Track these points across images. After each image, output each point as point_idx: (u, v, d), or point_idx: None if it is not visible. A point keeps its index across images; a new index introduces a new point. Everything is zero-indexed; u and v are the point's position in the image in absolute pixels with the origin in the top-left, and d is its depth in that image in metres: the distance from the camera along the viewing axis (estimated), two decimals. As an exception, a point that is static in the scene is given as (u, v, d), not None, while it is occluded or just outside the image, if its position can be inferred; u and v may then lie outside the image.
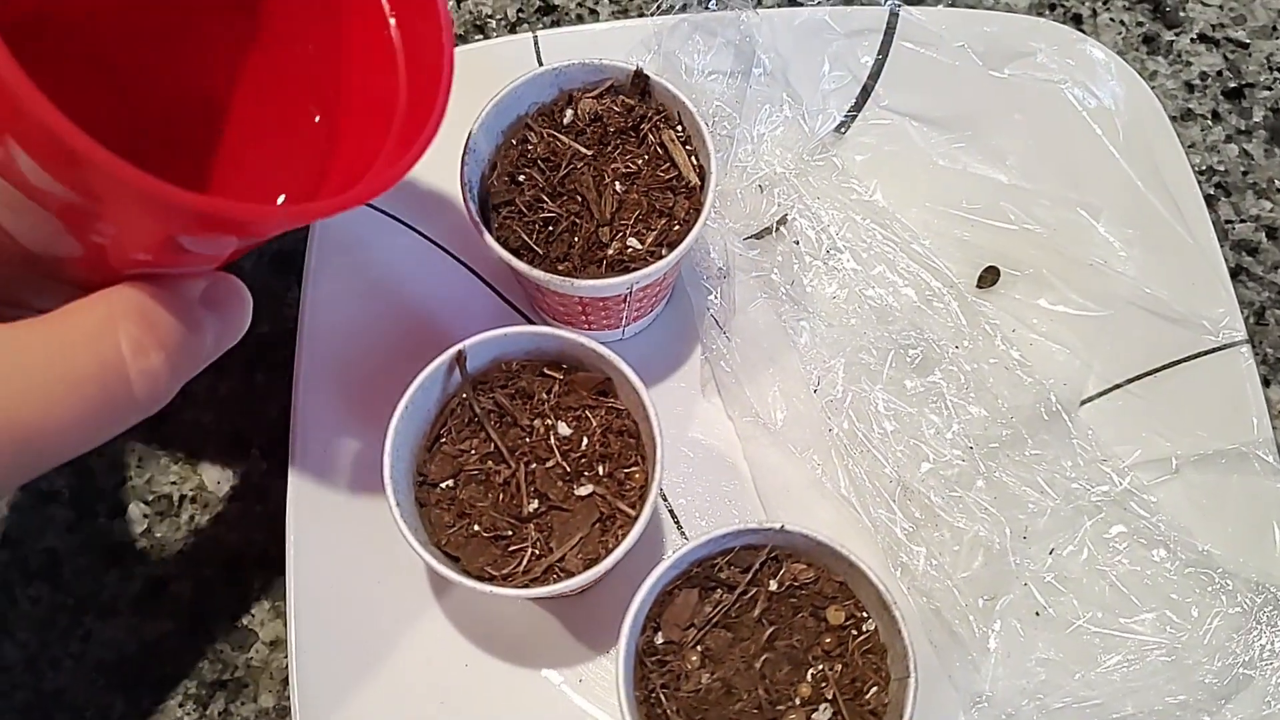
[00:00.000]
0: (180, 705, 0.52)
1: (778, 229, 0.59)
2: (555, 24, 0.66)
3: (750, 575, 0.45)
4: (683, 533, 0.54)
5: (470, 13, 0.66)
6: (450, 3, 0.66)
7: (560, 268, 0.49)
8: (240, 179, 0.44)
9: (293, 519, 0.51)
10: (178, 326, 0.33)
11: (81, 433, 0.32)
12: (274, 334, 0.58)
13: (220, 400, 0.57)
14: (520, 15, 0.66)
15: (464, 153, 0.49)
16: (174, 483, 0.56)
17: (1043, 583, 0.52)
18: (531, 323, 0.58)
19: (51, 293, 0.35)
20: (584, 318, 0.54)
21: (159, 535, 0.55)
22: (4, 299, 0.36)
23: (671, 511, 0.54)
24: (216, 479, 0.56)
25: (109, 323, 0.32)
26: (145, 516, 0.55)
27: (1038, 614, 0.52)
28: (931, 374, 0.56)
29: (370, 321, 0.56)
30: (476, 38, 0.66)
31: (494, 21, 0.66)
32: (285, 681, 0.49)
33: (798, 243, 0.58)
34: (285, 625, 0.50)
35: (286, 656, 0.49)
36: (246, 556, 0.55)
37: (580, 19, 0.66)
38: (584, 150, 0.51)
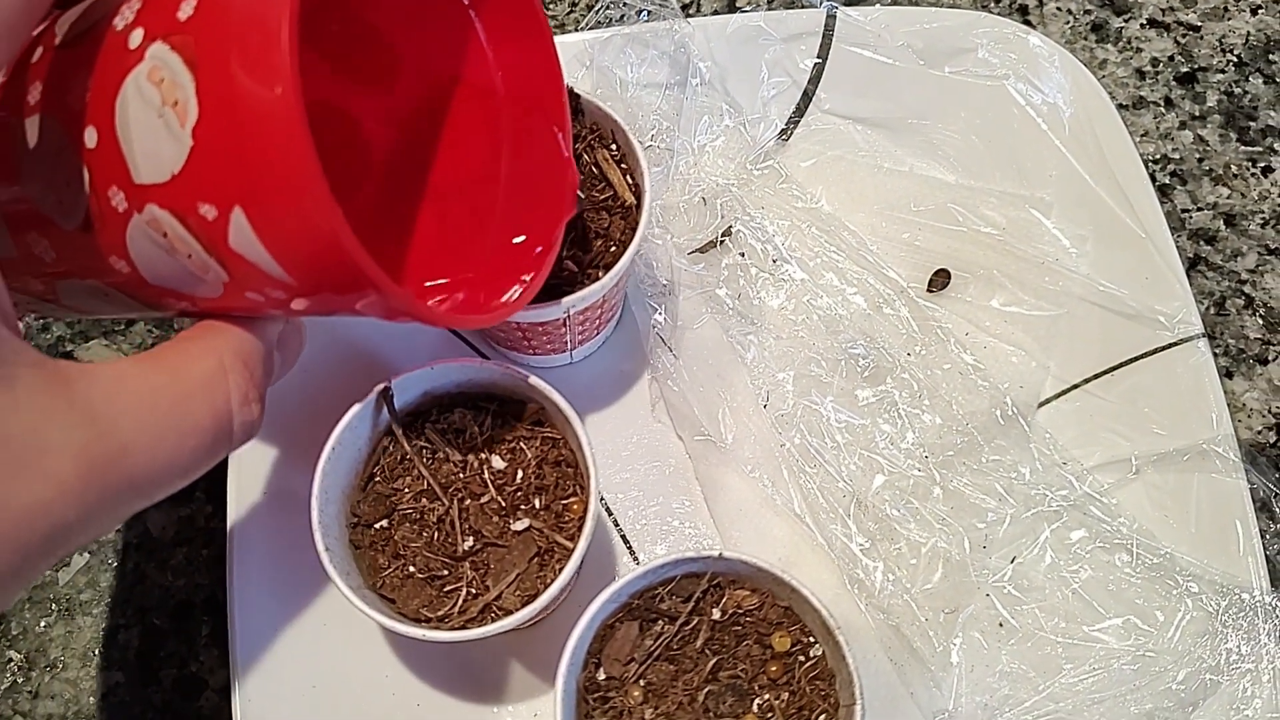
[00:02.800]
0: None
1: (722, 241, 0.57)
2: (491, 42, 0.65)
3: (692, 604, 0.44)
4: (635, 557, 0.53)
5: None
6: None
7: (490, 296, 0.48)
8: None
9: (233, 564, 0.50)
10: (267, 374, 0.36)
11: (184, 475, 0.33)
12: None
13: (163, 444, 0.57)
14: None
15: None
16: (118, 530, 0.55)
17: (1004, 593, 0.51)
18: (479, 352, 0.57)
19: (112, 305, 0.37)
20: (527, 343, 0.53)
21: (103, 585, 0.54)
22: (58, 300, 0.37)
23: (624, 536, 0.53)
24: (161, 525, 0.55)
25: (220, 374, 0.33)
26: (90, 566, 0.54)
27: (1001, 625, 0.51)
28: (883, 383, 0.55)
29: (312, 355, 0.55)
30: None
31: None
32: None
33: (743, 255, 0.57)
34: (229, 674, 0.49)
35: (230, 704, 0.48)
36: (193, 602, 0.54)
37: (517, 36, 0.65)
38: (512, 174, 0.50)
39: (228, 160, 0.28)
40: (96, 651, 0.53)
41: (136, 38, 0.30)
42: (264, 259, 0.30)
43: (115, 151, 0.30)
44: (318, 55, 0.42)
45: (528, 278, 0.42)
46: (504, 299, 0.41)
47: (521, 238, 0.44)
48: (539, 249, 0.43)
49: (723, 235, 0.58)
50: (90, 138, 0.31)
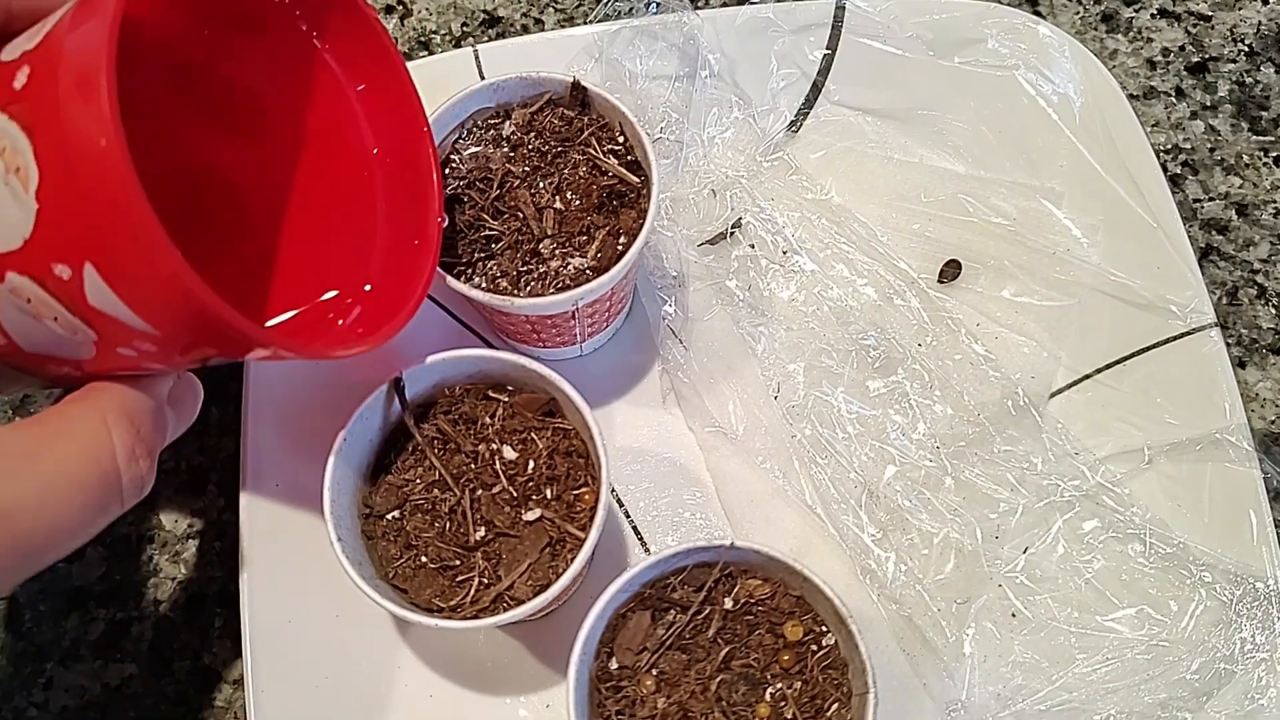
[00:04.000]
0: (139, 750, 0.51)
1: (732, 233, 0.57)
2: (500, 36, 0.65)
3: (704, 594, 0.44)
4: (646, 548, 0.53)
5: (414, 29, 0.65)
6: (394, 20, 0.66)
7: (502, 286, 0.48)
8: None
9: (246, 556, 0.50)
10: (157, 430, 0.35)
11: (72, 536, 0.33)
12: (229, 367, 0.57)
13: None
14: (465, 29, 0.65)
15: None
16: (131, 523, 0.55)
17: (1017, 583, 0.51)
18: (489, 344, 0.57)
19: (5, 379, 0.37)
20: (536, 336, 0.53)
21: (118, 577, 0.54)
22: None
23: (635, 528, 0.53)
24: (174, 518, 0.55)
25: (103, 431, 0.33)
26: (104, 559, 0.54)
27: (1013, 615, 0.50)
28: (894, 374, 0.55)
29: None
30: (421, 54, 0.64)
31: (438, 37, 0.65)
32: (247, 721, 0.48)
33: (753, 246, 0.57)
34: (243, 665, 0.49)
35: (244, 696, 0.48)
36: (207, 595, 0.54)
37: (525, 29, 0.65)
38: (521, 168, 0.50)
39: (71, 218, 0.29)
40: (110, 643, 0.53)
41: None
42: (123, 311, 0.30)
43: None
44: (186, 114, 0.43)
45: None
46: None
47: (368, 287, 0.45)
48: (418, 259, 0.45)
49: (732, 227, 0.57)
50: None
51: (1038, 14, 0.62)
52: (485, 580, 0.44)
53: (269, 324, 0.43)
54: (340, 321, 0.44)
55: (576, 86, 0.50)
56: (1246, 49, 0.64)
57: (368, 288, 0.45)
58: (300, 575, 0.50)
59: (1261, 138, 0.61)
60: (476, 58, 0.59)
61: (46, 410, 0.34)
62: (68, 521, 0.32)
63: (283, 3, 0.43)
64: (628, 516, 0.54)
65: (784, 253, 0.57)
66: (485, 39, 0.65)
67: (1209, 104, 0.62)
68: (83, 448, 0.33)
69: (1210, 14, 0.64)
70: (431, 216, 0.45)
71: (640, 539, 0.53)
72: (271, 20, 0.43)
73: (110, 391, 0.34)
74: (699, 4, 0.63)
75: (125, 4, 0.30)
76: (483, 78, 0.53)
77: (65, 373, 0.35)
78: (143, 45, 0.32)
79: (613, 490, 0.52)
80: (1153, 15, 0.65)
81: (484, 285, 0.48)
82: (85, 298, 0.30)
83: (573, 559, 0.43)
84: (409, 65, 0.60)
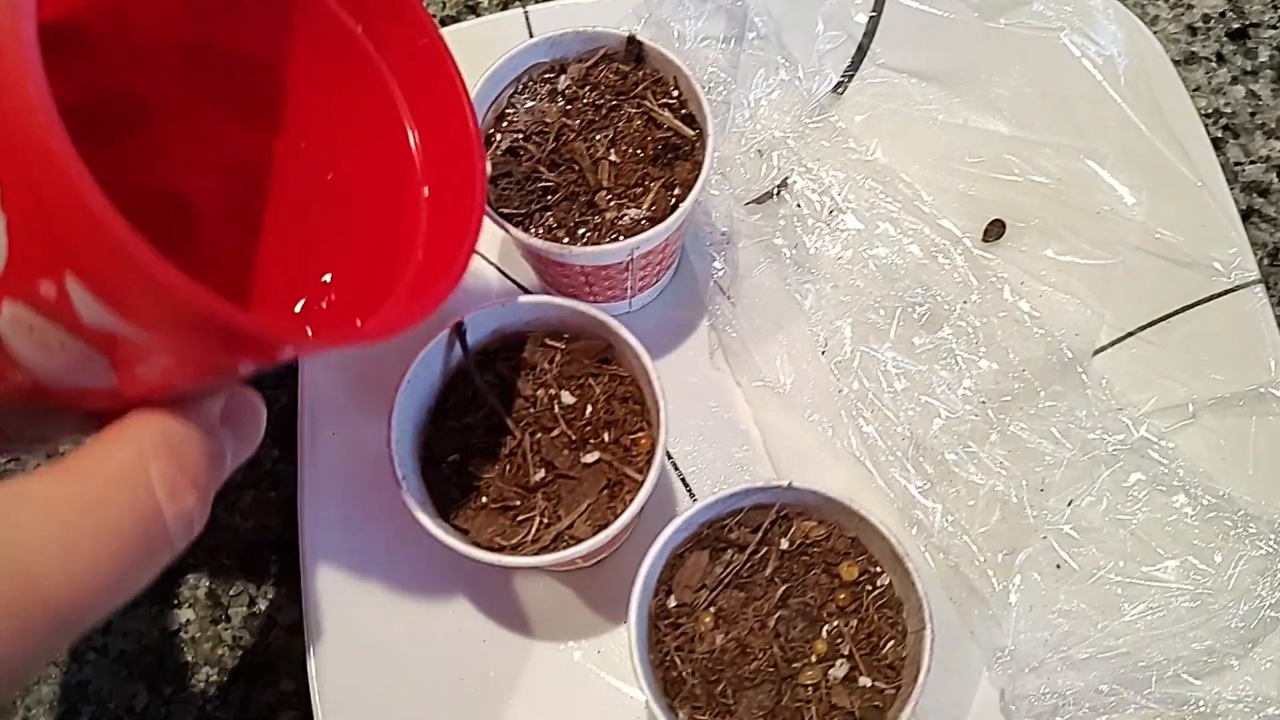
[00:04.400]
0: (202, 693, 0.52)
1: (779, 193, 0.58)
2: (547, -1, 0.66)
3: (760, 535, 0.44)
4: (694, 499, 0.54)
5: (462, -7, 0.66)
6: (442, -15, 0.66)
7: (558, 236, 0.49)
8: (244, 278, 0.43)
9: (305, 503, 0.51)
10: (205, 457, 0.31)
11: (118, 591, 0.29)
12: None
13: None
14: (512, -8, 0.66)
15: (457, 126, 0.49)
16: (187, 473, 0.56)
17: (1062, 534, 0.52)
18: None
19: (51, 421, 0.34)
20: (588, 289, 0.54)
21: (175, 526, 0.55)
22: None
23: (683, 479, 0.54)
24: (229, 468, 0.56)
25: (140, 465, 0.29)
26: (160, 508, 0.55)
27: (1058, 566, 0.51)
28: (940, 330, 0.55)
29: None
30: (467, 17, 0.65)
31: (486, 1, 0.66)
32: (305, 665, 0.49)
33: (799, 206, 0.58)
34: (302, 610, 0.50)
35: (305, 639, 0.49)
36: (261, 543, 0.55)
37: (574, -8, 0.66)
38: (577, 121, 0.51)
39: (38, 223, 0.27)
40: (167, 590, 0.54)
41: None
42: (116, 324, 0.28)
43: None
44: (205, 95, 0.41)
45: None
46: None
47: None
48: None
49: (779, 187, 0.58)
50: None
51: (1080, -21, 0.62)
52: (546, 520, 0.45)
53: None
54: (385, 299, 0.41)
55: (632, 41, 0.51)
56: (1287, 16, 0.64)
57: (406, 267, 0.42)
58: (357, 522, 0.51)
59: (1302, 103, 0.62)
60: (527, 19, 0.60)
61: (80, 447, 0.29)
62: (106, 576, 0.27)
63: None
64: (676, 469, 0.54)
65: (830, 212, 0.58)
66: (532, 1, 0.65)
67: (1250, 69, 0.63)
68: (115, 487, 0.28)
69: (1251, -20, 0.65)
70: (477, 175, 0.42)
71: (689, 490, 0.54)
72: None
73: (147, 419, 0.30)
74: (747, -34, 0.63)
75: None
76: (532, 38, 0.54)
77: (103, 405, 0.32)
78: (140, 24, 0.29)
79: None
80: (1194, -18, 0.65)
81: (541, 235, 0.49)
82: (78, 316, 0.28)
83: (631, 499, 0.44)
84: (457, 27, 0.62)
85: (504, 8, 0.66)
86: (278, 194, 0.43)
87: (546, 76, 0.52)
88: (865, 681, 0.42)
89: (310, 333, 0.34)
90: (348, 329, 0.36)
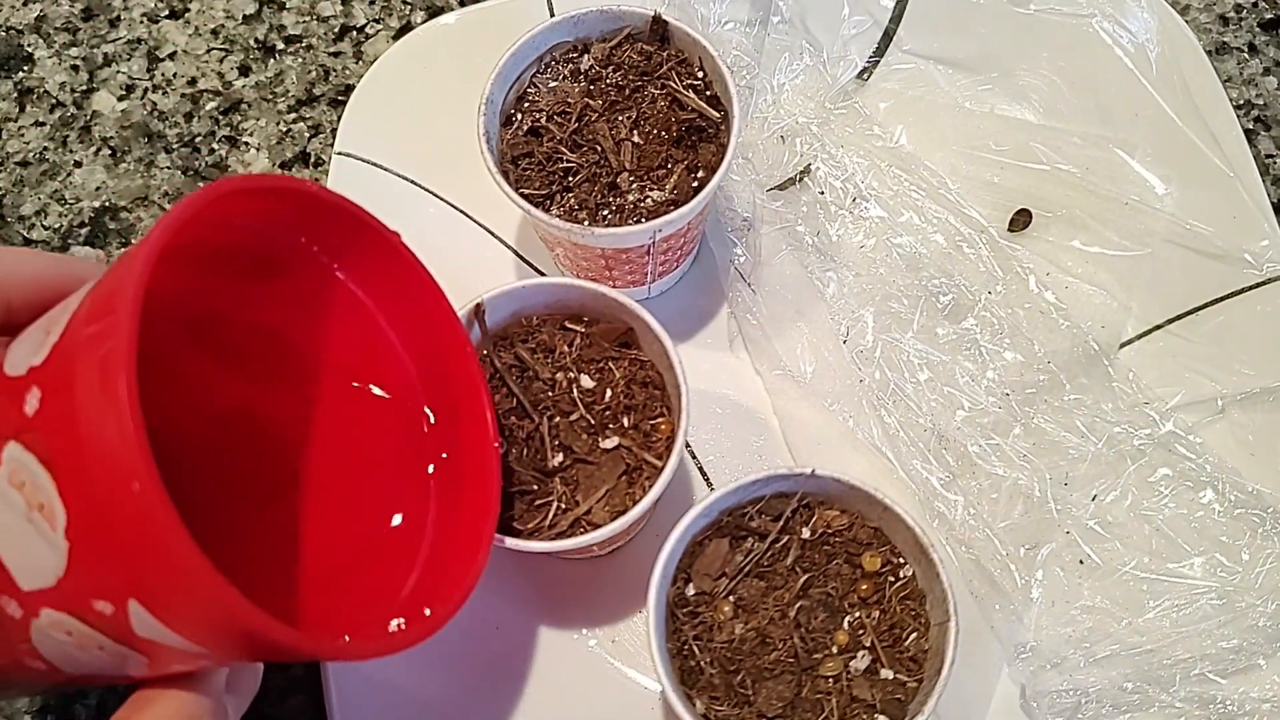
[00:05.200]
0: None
1: (801, 179, 0.57)
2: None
3: (782, 523, 0.44)
4: (711, 488, 0.53)
5: (483, -26, 0.66)
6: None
7: (579, 217, 0.48)
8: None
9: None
10: None
11: None
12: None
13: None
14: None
15: (481, 104, 0.48)
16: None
17: (1086, 529, 0.51)
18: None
19: (50, 687, 0.35)
20: (609, 273, 0.53)
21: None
22: None
23: (701, 468, 0.53)
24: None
25: None
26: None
27: (1081, 562, 0.50)
28: (964, 320, 0.54)
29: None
30: (490, -1, 0.65)
31: (507, -18, 0.65)
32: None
33: (822, 193, 0.57)
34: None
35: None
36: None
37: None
38: (600, 101, 0.50)
39: (107, 558, 0.27)
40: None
41: None
42: (176, 640, 0.28)
43: None
44: (210, 363, 0.40)
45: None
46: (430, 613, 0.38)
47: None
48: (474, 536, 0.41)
49: (802, 173, 0.57)
50: None
51: (1111, -34, 0.61)
52: (564, 505, 0.44)
53: (316, 603, 0.39)
54: (398, 594, 0.40)
55: (657, 20, 0.50)
56: (1320, 7, 0.63)
57: (428, 545, 0.41)
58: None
59: (1334, 96, 0.61)
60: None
61: None
62: None
63: (299, 242, 0.39)
64: (694, 457, 0.54)
65: (853, 199, 0.57)
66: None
67: (1282, 60, 0.62)
68: None
69: (1284, -30, 0.64)
70: (488, 446, 0.42)
71: (707, 480, 0.53)
72: (287, 261, 0.40)
73: (163, 704, 0.31)
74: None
75: (138, 317, 0.26)
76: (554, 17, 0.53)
77: (116, 683, 0.33)
78: (154, 304, 0.28)
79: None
80: (1226, -29, 0.64)
81: (561, 216, 0.48)
82: (132, 630, 0.28)
83: (649, 486, 0.43)
84: (476, 8, 0.61)
85: (524, -12, 0.65)
86: (293, 452, 0.42)
87: (570, 56, 0.51)
88: (887, 674, 0.41)
89: (364, 647, 0.34)
90: (392, 640, 0.36)
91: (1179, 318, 0.54)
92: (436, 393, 0.43)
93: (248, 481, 0.41)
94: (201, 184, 0.60)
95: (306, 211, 0.38)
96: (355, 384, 0.43)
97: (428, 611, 0.38)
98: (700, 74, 0.51)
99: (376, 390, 0.43)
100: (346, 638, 0.36)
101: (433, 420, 0.43)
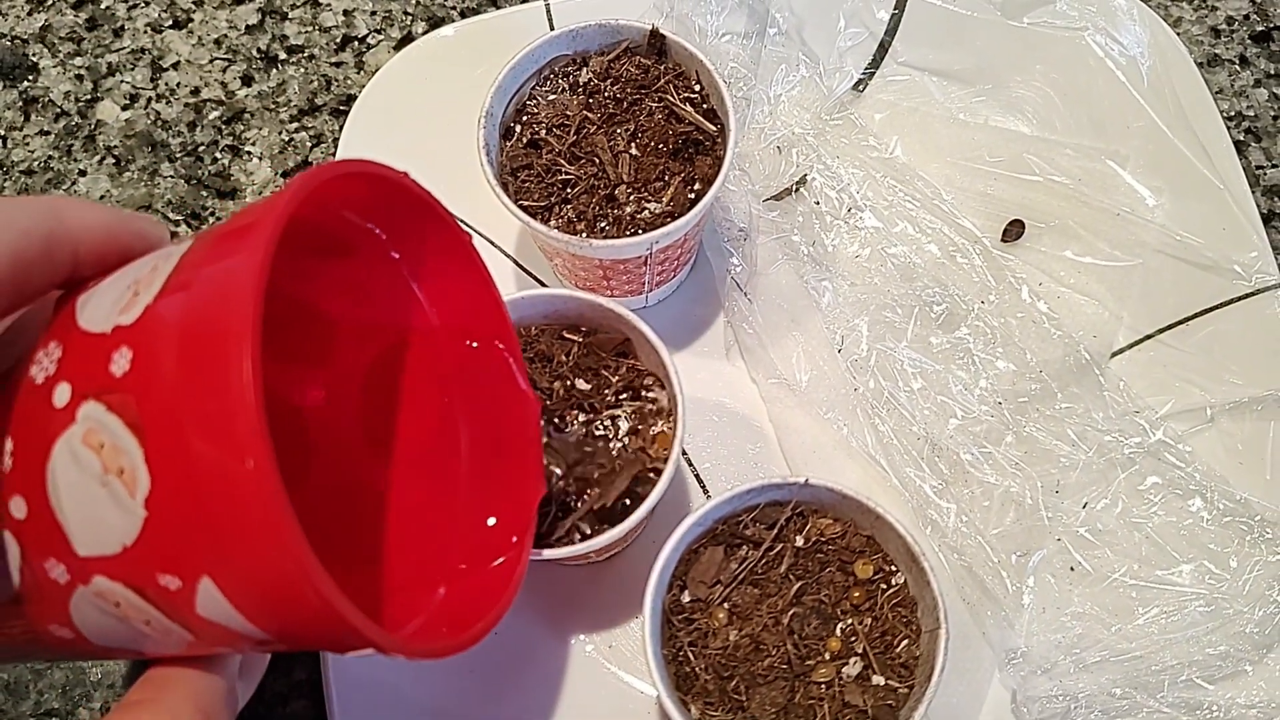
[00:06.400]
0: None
1: (797, 190, 0.58)
2: (569, -8, 0.66)
3: (776, 531, 0.44)
4: (708, 495, 0.54)
5: (483, -15, 0.66)
6: (463, -23, 0.66)
7: (578, 229, 0.49)
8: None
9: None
10: (228, 709, 0.32)
11: None
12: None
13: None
14: (533, -15, 0.66)
15: (481, 117, 0.49)
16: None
17: (1077, 537, 0.51)
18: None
19: (52, 657, 0.33)
20: (606, 283, 0.54)
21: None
22: None
23: (697, 476, 0.54)
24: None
25: None
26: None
27: (1072, 569, 0.51)
28: (957, 330, 0.55)
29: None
30: (488, 9, 0.65)
31: (507, -8, 0.66)
32: (316, 654, 0.49)
33: (818, 203, 0.58)
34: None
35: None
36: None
37: (593, -14, 0.66)
38: (598, 114, 0.51)
39: (192, 532, 0.25)
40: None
41: (63, 394, 0.27)
42: (238, 622, 0.27)
43: (50, 522, 0.27)
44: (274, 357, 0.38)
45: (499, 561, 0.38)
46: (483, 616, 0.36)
47: (493, 519, 0.40)
48: (514, 537, 0.40)
49: (798, 184, 0.58)
50: (18, 508, 0.28)
51: (1103, -20, 0.62)
52: (561, 512, 0.45)
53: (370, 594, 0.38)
54: (441, 591, 0.38)
55: (655, 34, 0.51)
56: (1311, 19, 0.64)
57: (462, 566, 0.40)
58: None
59: (1325, 107, 0.62)
60: (548, 11, 0.60)
61: (115, 716, 0.29)
62: None
63: (366, 227, 0.38)
64: (691, 465, 0.54)
65: (849, 210, 0.58)
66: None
67: (1273, 72, 0.63)
68: None
69: (1276, -17, 0.65)
70: (534, 465, 0.41)
71: (703, 487, 0.54)
72: (354, 245, 0.38)
73: (181, 686, 0.31)
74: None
75: (263, 291, 0.24)
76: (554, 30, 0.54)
77: (131, 657, 0.32)
78: None
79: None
80: (1218, -16, 0.65)
81: (559, 228, 0.49)
82: (194, 608, 0.27)
83: (646, 494, 0.44)
84: (479, 19, 0.62)
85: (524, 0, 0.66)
86: (340, 452, 0.41)
87: (568, 69, 0.52)
88: (878, 680, 0.42)
89: (434, 642, 0.33)
90: (458, 638, 0.34)
91: (1169, 328, 0.55)
92: (478, 393, 0.42)
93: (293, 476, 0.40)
94: (205, 193, 0.61)
95: (389, 198, 0.36)
96: (395, 374, 0.41)
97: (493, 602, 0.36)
98: (697, 87, 0.51)
99: (415, 385, 0.41)
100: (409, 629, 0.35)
101: (470, 419, 0.42)
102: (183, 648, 0.29)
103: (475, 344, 0.41)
